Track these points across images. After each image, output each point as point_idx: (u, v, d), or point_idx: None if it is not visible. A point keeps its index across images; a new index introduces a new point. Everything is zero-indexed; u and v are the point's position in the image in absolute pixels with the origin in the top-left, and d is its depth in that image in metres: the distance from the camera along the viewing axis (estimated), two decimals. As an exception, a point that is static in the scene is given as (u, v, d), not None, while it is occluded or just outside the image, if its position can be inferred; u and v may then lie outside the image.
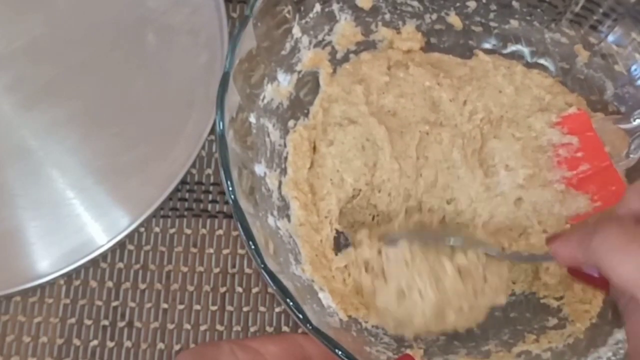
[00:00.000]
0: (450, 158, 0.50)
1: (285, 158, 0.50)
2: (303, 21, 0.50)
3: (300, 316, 0.39)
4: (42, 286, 0.54)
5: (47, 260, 0.54)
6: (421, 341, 0.47)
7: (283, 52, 0.49)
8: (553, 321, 0.49)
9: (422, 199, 0.50)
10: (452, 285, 0.45)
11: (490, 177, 0.50)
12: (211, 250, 0.56)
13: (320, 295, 0.46)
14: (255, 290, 0.55)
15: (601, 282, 0.39)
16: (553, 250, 0.40)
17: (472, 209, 0.50)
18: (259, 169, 0.47)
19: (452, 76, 0.53)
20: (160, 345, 0.53)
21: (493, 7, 0.54)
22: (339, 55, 0.54)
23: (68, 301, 0.54)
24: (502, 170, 0.50)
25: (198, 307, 0.54)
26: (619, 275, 0.34)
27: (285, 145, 0.50)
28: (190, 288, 0.55)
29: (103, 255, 0.55)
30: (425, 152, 0.51)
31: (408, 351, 0.46)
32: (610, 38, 0.51)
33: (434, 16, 0.55)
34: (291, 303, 0.39)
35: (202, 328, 0.54)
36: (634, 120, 0.49)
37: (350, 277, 0.48)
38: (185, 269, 0.55)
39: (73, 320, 0.54)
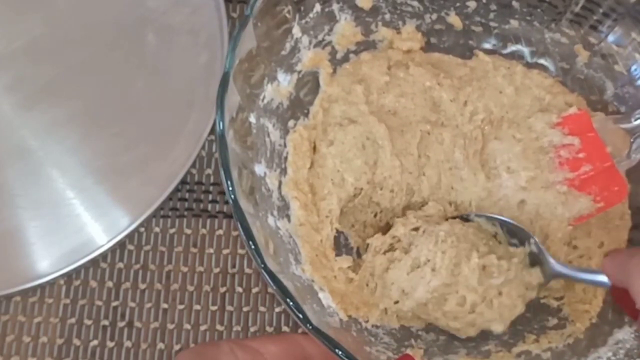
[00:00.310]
0: (452, 158, 0.51)
1: (285, 158, 0.50)
2: (303, 21, 0.50)
3: (300, 316, 0.39)
4: (42, 286, 0.54)
5: (47, 260, 0.54)
6: (421, 341, 0.47)
7: (283, 52, 0.49)
8: (553, 321, 0.49)
9: (429, 202, 0.50)
10: (467, 276, 0.46)
11: (492, 180, 0.50)
12: (211, 250, 0.56)
13: (320, 295, 0.46)
14: (255, 290, 0.55)
15: (631, 314, 0.42)
16: (602, 263, 0.43)
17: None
18: (259, 169, 0.47)
19: (453, 76, 0.53)
20: (160, 345, 0.53)
21: (493, 7, 0.54)
22: (339, 55, 0.54)
23: (68, 301, 0.54)
24: (503, 172, 0.50)
25: (198, 307, 0.54)
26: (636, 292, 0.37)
27: (285, 145, 0.50)
28: (190, 288, 0.55)
29: (103, 255, 0.55)
30: (427, 151, 0.51)
31: (408, 351, 0.46)
32: (610, 38, 0.51)
33: (434, 16, 0.55)
34: (291, 303, 0.39)
35: (202, 328, 0.54)
36: (635, 120, 0.49)
37: (356, 274, 0.49)
38: (185, 269, 0.55)
39: (73, 320, 0.54)
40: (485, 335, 0.48)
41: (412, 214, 0.50)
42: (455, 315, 0.46)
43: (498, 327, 0.46)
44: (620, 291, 0.42)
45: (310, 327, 0.39)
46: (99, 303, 0.54)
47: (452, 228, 0.48)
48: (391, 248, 0.49)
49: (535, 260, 0.47)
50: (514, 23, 0.54)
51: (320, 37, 0.52)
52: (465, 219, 0.50)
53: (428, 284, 0.46)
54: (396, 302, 0.47)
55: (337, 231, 0.50)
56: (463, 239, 0.47)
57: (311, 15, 0.50)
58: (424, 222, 0.49)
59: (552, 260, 0.47)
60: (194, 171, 0.57)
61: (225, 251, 0.56)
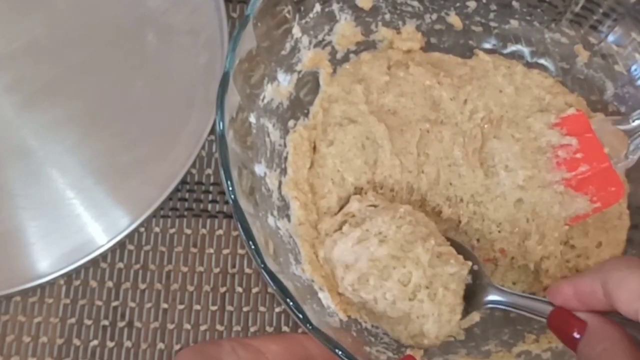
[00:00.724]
0: (452, 155, 0.51)
1: (285, 158, 0.50)
2: (303, 21, 0.50)
3: (300, 316, 0.39)
4: (42, 286, 0.54)
5: (47, 260, 0.54)
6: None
7: (283, 52, 0.49)
8: (553, 321, 0.49)
9: (427, 197, 0.50)
10: (419, 253, 0.44)
11: (490, 177, 0.50)
12: (211, 250, 0.56)
13: (320, 295, 0.46)
14: (255, 290, 0.55)
15: (570, 342, 0.40)
16: (553, 289, 0.41)
17: (473, 209, 0.50)
18: (259, 169, 0.47)
19: (453, 75, 0.53)
20: (160, 345, 0.53)
21: (493, 7, 0.54)
22: (339, 55, 0.54)
23: (68, 301, 0.54)
24: (502, 171, 0.50)
25: (198, 307, 0.54)
26: (627, 289, 0.37)
27: (285, 145, 0.50)
28: (190, 288, 0.55)
29: (103, 255, 0.55)
30: (426, 150, 0.51)
31: (409, 351, 0.46)
32: (610, 38, 0.51)
33: (434, 16, 0.55)
34: (291, 303, 0.39)
35: (202, 328, 0.54)
36: (633, 121, 0.49)
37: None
38: (185, 269, 0.55)
39: (73, 320, 0.54)
40: (485, 335, 0.48)
41: (371, 193, 0.49)
42: (395, 298, 0.44)
43: (431, 329, 0.44)
44: (558, 320, 0.41)
45: (310, 327, 0.39)
46: (99, 303, 0.54)
47: (414, 212, 0.47)
48: (341, 227, 0.47)
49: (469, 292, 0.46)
50: (514, 23, 0.54)
51: (320, 37, 0.52)
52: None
53: (372, 253, 0.44)
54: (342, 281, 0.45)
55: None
56: (423, 225, 0.46)
57: (311, 15, 0.50)
58: (383, 201, 0.48)
59: (489, 286, 0.45)
60: (194, 171, 0.57)
61: (225, 251, 0.56)
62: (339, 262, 0.46)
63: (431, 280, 0.44)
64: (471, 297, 0.46)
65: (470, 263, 0.46)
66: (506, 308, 0.45)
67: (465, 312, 0.46)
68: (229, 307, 0.54)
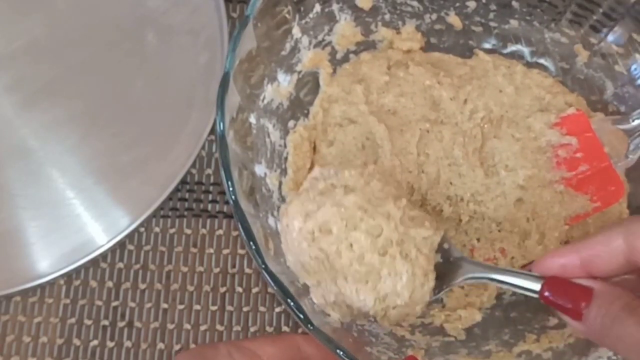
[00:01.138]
0: (452, 155, 0.51)
1: (286, 158, 0.50)
2: (303, 21, 0.50)
3: (301, 316, 0.39)
4: (42, 286, 0.54)
5: (47, 260, 0.54)
6: (422, 341, 0.48)
7: (283, 53, 0.49)
8: (554, 321, 0.49)
9: (427, 196, 0.50)
10: (390, 210, 0.40)
11: (490, 177, 0.50)
12: (211, 250, 0.56)
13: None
14: (255, 290, 0.55)
15: (573, 312, 0.36)
16: (544, 259, 0.37)
17: (473, 208, 0.50)
18: (259, 169, 0.47)
19: (453, 75, 0.53)
20: (160, 345, 0.53)
21: (493, 7, 0.54)
22: (339, 56, 0.54)
23: (68, 301, 0.54)
24: (502, 170, 0.50)
25: (198, 307, 0.54)
26: None
27: (285, 146, 0.50)
28: (190, 288, 0.55)
29: (103, 255, 0.55)
30: (426, 149, 0.51)
31: (409, 351, 0.46)
32: (610, 38, 0.51)
33: (434, 16, 0.55)
34: (292, 303, 0.39)
35: (202, 328, 0.54)
36: (633, 121, 0.49)
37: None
38: (185, 269, 0.55)
39: (73, 320, 0.54)
40: (485, 335, 0.48)
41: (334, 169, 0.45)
42: (363, 250, 0.39)
43: (406, 287, 0.39)
44: (555, 290, 0.36)
45: (311, 328, 0.39)
46: (99, 303, 0.54)
47: (385, 175, 0.44)
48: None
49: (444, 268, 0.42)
50: (513, 23, 0.54)
51: (320, 38, 0.52)
52: None
53: (339, 200, 0.40)
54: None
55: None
56: (394, 187, 0.43)
57: (311, 15, 0.50)
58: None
59: (463, 261, 0.41)
60: (194, 171, 0.57)
61: (225, 251, 0.56)
62: (298, 213, 0.40)
63: (402, 238, 0.39)
64: (443, 275, 0.41)
65: (442, 232, 0.42)
66: (486, 282, 0.41)
67: (440, 289, 0.41)
68: (229, 307, 0.54)
